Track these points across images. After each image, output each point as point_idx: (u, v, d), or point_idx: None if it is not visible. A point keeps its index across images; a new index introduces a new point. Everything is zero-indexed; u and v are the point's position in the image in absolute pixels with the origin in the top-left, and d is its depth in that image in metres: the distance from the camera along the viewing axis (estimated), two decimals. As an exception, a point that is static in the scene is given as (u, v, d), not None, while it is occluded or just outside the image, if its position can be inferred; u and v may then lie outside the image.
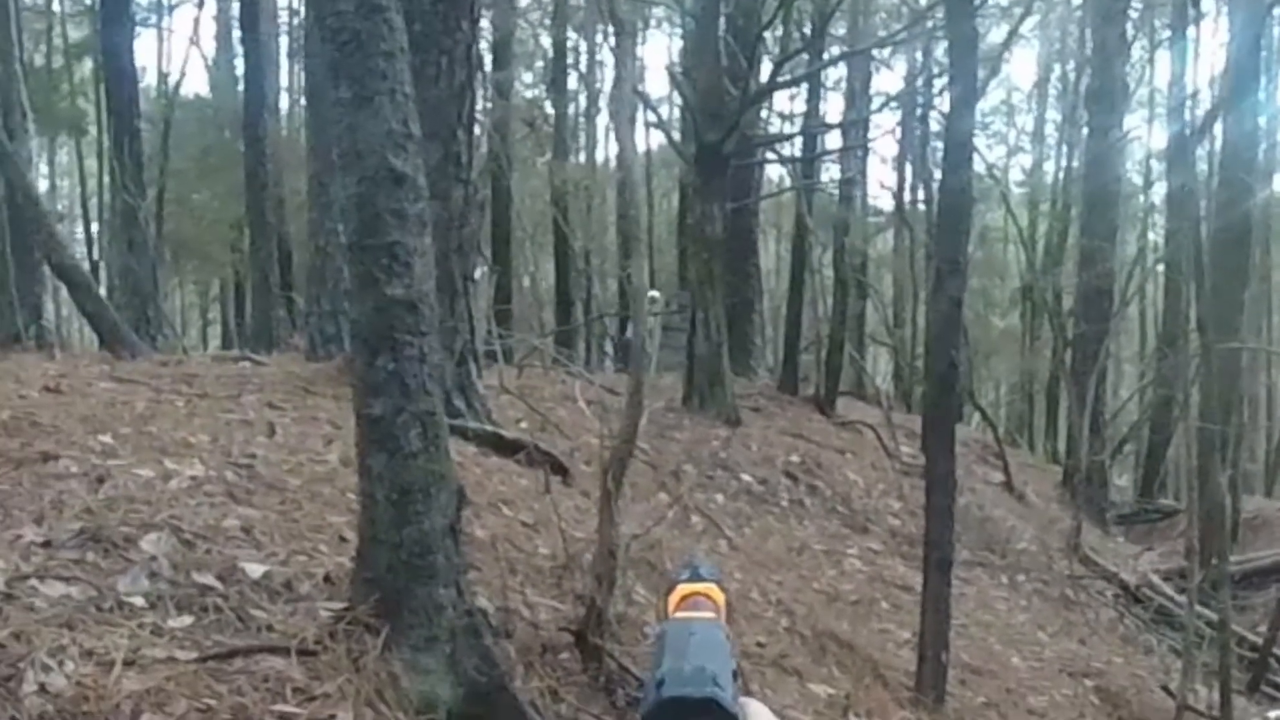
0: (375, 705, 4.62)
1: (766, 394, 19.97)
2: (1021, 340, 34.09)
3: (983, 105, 31.22)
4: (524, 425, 10.87)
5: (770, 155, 23.87)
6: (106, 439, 6.79)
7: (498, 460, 9.09)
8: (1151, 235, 34.29)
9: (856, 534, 14.50)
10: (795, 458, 15.86)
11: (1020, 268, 33.43)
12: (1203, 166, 22.55)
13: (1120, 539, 21.58)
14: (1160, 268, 27.83)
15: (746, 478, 14.72)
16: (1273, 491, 23.88)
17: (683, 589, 1.38)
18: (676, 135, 23.63)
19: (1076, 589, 16.06)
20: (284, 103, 29.64)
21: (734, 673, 1.16)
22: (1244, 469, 31.23)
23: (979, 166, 26.72)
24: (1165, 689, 11.35)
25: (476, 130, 12.52)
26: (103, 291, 19.89)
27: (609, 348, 29.88)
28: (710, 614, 1.30)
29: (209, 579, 5.07)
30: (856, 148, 24.90)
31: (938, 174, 19.22)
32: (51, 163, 39.71)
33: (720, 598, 1.35)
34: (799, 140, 24.37)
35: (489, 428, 10.26)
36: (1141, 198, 34.65)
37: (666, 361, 21.57)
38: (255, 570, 5.19)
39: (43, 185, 33.98)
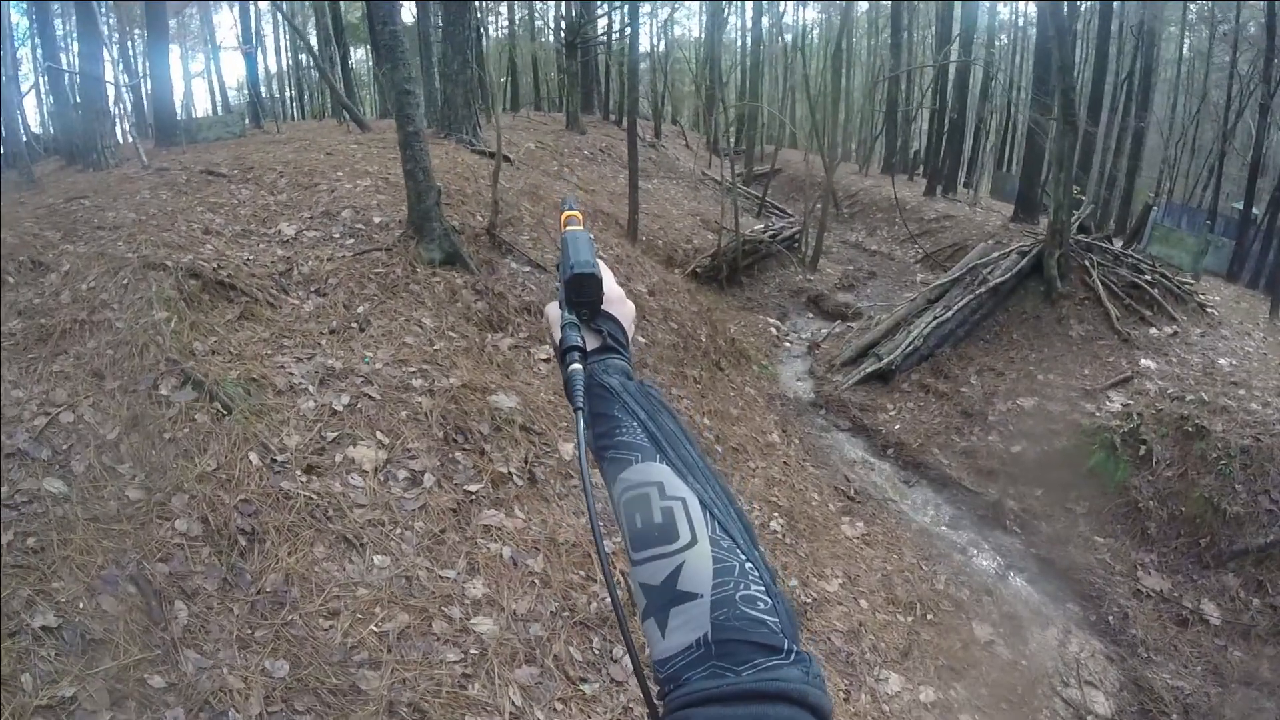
0: (413, 264, 5.65)
1: (608, 125, 18.55)
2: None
3: None
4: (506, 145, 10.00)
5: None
6: (340, 173, 7.17)
7: (487, 161, 8.99)
8: None
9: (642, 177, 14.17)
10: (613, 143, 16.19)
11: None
12: None
13: (726, 160, 19.95)
14: None
15: (587, 152, 14.54)
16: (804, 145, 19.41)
17: (566, 214, 1.05)
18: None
19: (700, 183, 16.55)
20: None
21: (595, 251, 0.97)
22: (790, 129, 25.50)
23: None
24: (716, 222, 12.01)
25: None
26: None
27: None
28: (579, 226, 1.05)
29: (362, 225, 6.06)
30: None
31: None
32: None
33: (580, 215, 1.06)
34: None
35: (482, 148, 9.48)
36: None
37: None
38: (377, 219, 6.21)
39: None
